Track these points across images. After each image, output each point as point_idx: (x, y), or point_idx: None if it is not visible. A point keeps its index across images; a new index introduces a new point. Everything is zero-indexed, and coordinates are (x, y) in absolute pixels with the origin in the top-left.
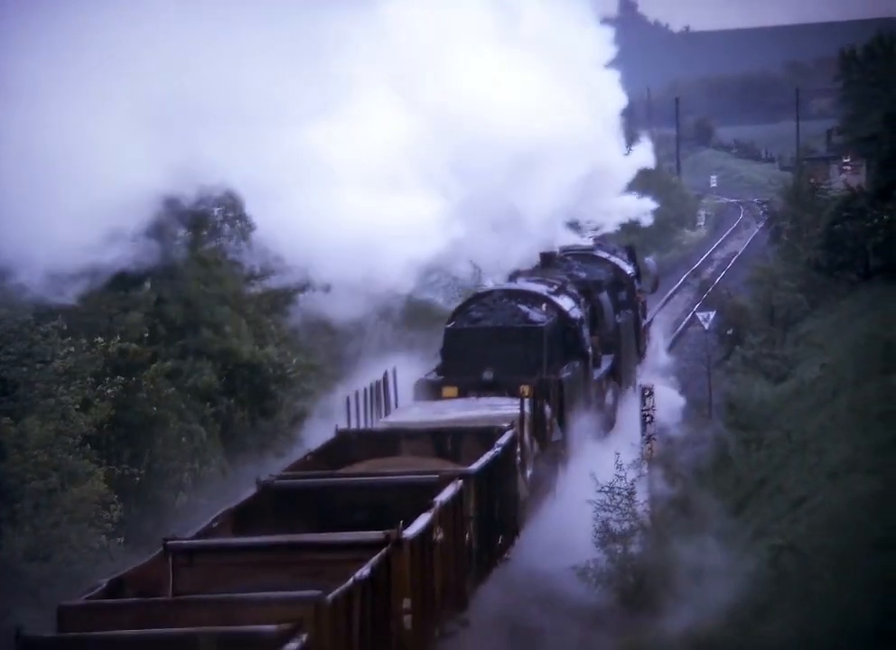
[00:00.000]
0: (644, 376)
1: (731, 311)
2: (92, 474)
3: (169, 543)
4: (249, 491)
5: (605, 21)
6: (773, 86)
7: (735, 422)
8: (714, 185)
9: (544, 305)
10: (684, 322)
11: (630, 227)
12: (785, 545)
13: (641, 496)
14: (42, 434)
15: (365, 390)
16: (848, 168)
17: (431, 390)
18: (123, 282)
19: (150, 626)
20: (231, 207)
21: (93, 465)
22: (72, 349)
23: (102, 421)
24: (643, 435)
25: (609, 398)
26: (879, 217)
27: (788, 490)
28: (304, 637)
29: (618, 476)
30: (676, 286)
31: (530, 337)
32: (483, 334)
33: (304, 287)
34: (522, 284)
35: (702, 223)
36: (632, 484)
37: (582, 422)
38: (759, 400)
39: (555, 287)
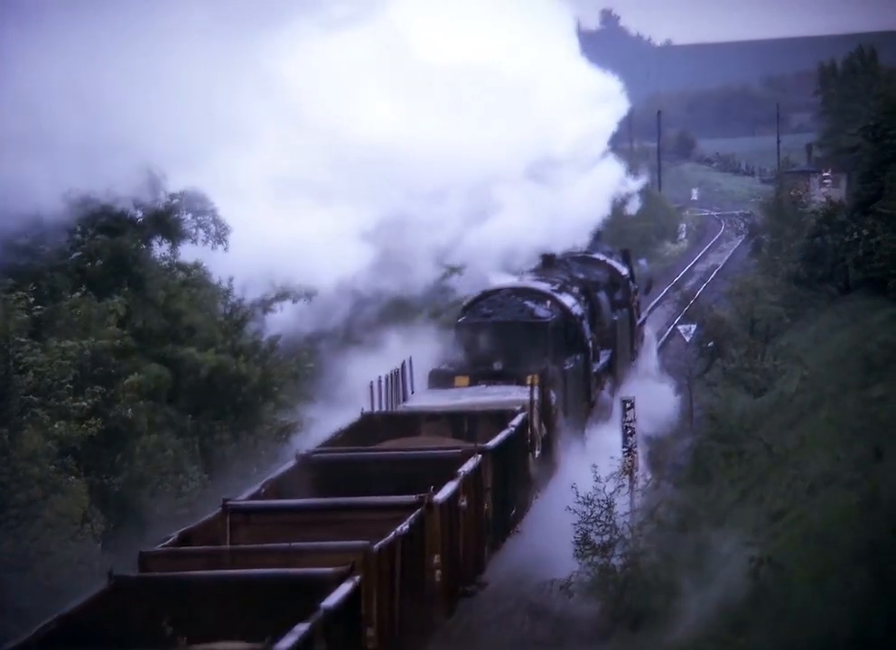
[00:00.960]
0: (640, 375)
1: (711, 324)
2: (73, 486)
3: (228, 503)
4: (289, 463)
5: (587, 34)
6: (754, 100)
7: (716, 434)
8: (695, 198)
9: (548, 302)
10: (665, 335)
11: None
12: (764, 558)
13: (622, 508)
14: (30, 446)
15: (384, 378)
16: (828, 181)
17: (444, 379)
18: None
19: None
20: (202, 211)
21: (73, 477)
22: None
23: (90, 435)
24: (624, 447)
25: (606, 390)
26: (859, 230)
27: (767, 503)
28: (357, 579)
29: (597, 488)
30: (657, 299)
31: (536, 331)
32: (493, 328)
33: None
34: (528, 283)
35: (683, 236)
36: (611, 496)
37: (583, 410)
38: (739, 413)
39: (558, 286)
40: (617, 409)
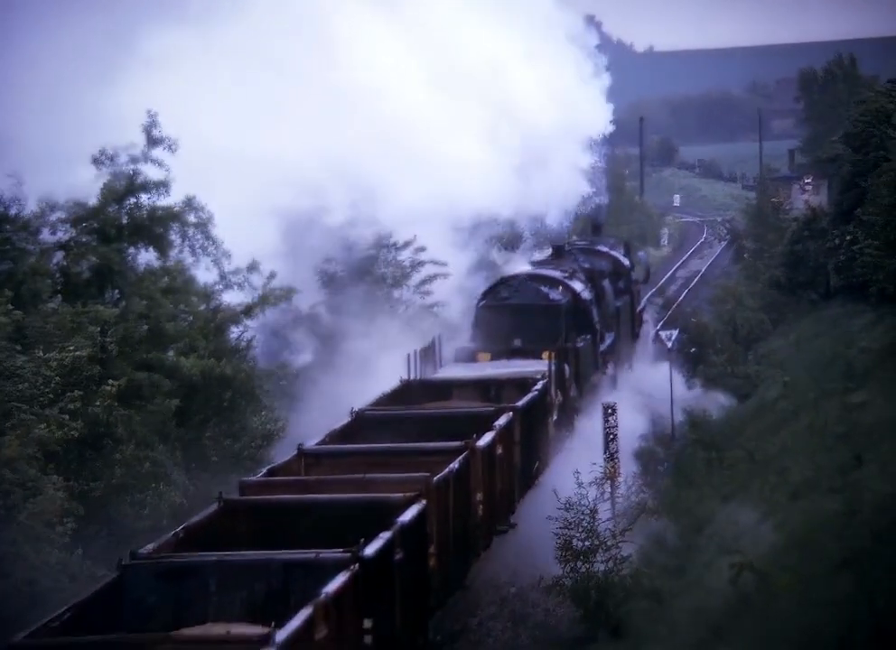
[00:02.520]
0: (640, 356)
1: (694, 330)
2: (49, 487)
3: (303, 448)
4: (345, 419)
5: (571, 41)
6: (736, 106)
7: (698, 440)
8: (677, 204)
9: (560, 287)
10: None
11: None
12: (746, 564)
13: (605, 514)
14: (9, 453)
15: (416, 352)
16: (809, 188)
17: (468, 355)
18: (80, 293)
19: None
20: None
21: (48, 479)
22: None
23: (69, 439)
24: (605, 453)
25: (610, 367)
26: (840, 237)
27: (749, 509)
28: (423, 503)
29: (580, 494)
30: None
31: (550, 313)
32: (511, 310)
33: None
34: (541, 270)
35: (665, 242)
36: (594, 502)
37: (592, 383)
38: (721, 419)
39: (568, 273)
40: (620, 382)
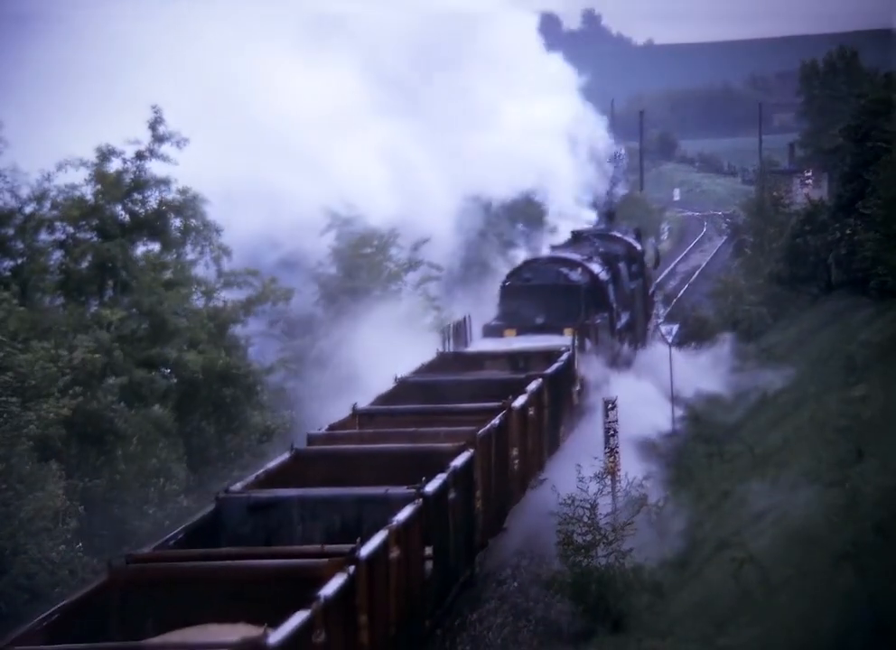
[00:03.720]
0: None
1: (694, 324)
2: (51, 483)
3: (357, 409)
4: (390, 385)
5: (569, 34)
6: (736, 100)
7: (699, 434)
8: (678, 198)
9: (579, 269)
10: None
11: None
12: (747, 558)
13: (605, 509)
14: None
15: (449, 327)
16: (810, 181)
17: (495, 331)
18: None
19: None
20: (194, 214)
21: (48, 472)
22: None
23: (57, 423)
24: (606, 448)
25: (626, 344)
26: (840, 230)
27: (750, 503)
28: (471, 452)
29: (580, 488)
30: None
31: (571, 292)
32: (535, 290)
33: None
34: (562, 253)
35: (665, 236)
36: (594, 497)
37: (609, 357)
38: (722, 413)
39: (587, 256)
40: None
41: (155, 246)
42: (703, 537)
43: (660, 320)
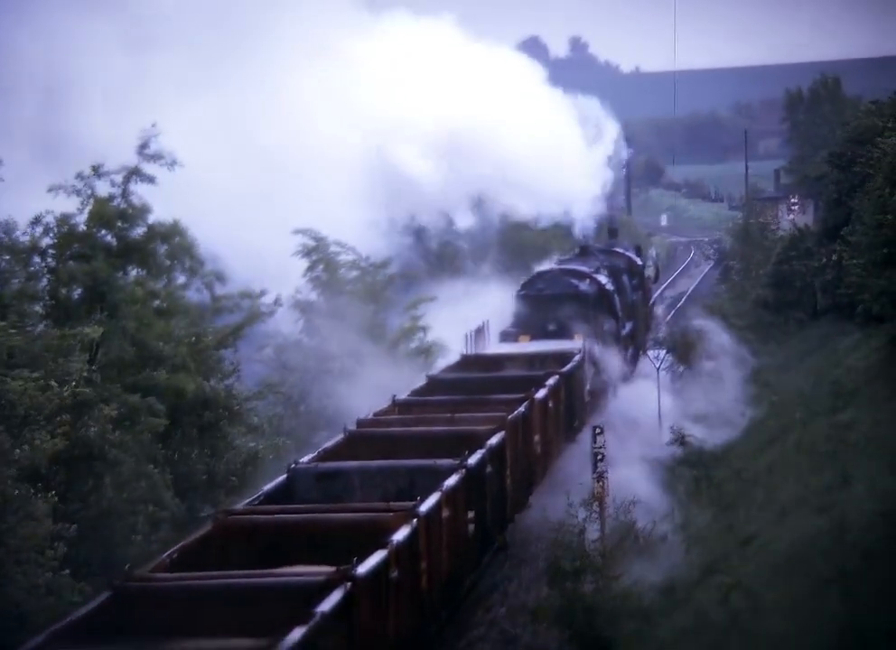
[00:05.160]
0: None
1: (681, 349)
2: (40, 510)
3: (397, 399)
4: (421, 381)
5: (556, 61)
6: (722, 126)
7: (686, 459)
8: (665, 224)
9: (587, 280)
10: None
11: None
12: (734, 584)
13: (593, 534)
14: None
15: (471, 332)
16: (796, 208)
17: (510, 337)
18: (66, 316)
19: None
20: (180, 245)
21: (37, 501)
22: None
23: (50, 454)
24: (594, 473)
25: (629, 351)
26: (826, 256)
27: (737, 528)
28: (503, 433)
29: (570, 514)
30: (652, 300)
31: (580, 301)
32: (547, 299)
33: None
34: (571, 265)
35: (651, 263)
36: (583, 522)
37: (616, 360)
38: (709, 437)
39: (594, 268)
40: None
41: (144, 273)
42: (691, 562)
43: (651, 339)
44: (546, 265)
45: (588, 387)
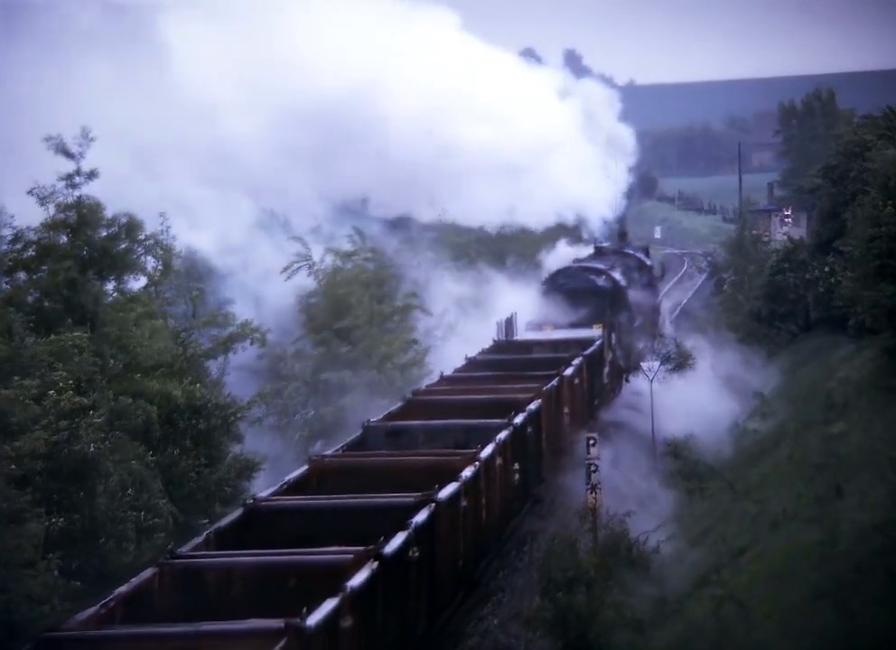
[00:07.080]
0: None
1: (675, 360)
2: (32, 522)
3: (444, 374)
4: (461, 361)
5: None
6: (715, 139)
7: (679, 471)
8: (658, 236)
9: (604, 276)
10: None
11: None
12: (726, 595)
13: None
14: None
15: (502, 321)
16: (789, 220)
17: (536, 326)
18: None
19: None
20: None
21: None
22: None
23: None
24: (587, 484)
25: (641, 341)
26: (819, 268)
27: (729, 539)
28: (539, 402)
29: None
30: (659, 297)
31: (598, 295)
32: (568, 292)
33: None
34: (589, 263)
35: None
36: (575, 533)
37: (629, 349)
38: (702, 449)
39: (609, 265)
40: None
41: (131, 284)
42: (683, 574)
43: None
44: (566, 263)
45: (607, 369)
